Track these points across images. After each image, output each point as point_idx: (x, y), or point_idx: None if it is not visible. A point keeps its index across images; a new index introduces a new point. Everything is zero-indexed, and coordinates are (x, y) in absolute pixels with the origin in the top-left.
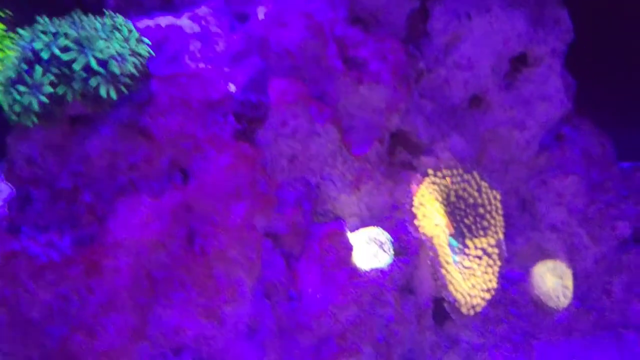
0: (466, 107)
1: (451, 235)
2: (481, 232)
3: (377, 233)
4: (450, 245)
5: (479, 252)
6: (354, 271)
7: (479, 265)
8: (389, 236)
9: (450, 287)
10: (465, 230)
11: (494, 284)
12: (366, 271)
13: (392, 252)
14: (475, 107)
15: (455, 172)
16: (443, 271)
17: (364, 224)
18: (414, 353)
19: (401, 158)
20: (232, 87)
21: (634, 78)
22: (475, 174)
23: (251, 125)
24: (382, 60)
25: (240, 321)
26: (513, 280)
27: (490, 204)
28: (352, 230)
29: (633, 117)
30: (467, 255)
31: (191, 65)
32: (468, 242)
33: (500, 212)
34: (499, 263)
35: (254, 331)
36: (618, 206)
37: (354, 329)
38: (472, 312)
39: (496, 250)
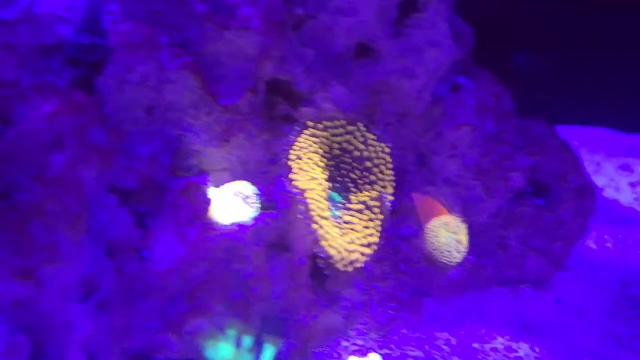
0: (352, 56)
1: (334, 189)
2: (368, 187)
3: (243, 186)
4: (332, 200)
5: (360, 206)
6: (207, 226)
7: (359, 219)
8: (255, 190)
9: (324, 242)
10: (351, 185)
11: (375, 239)
12: (223, 226)
13: (258, 206)
14: (364, 56)
15: (338, 123)
16: (315, 226)
17: (237, 179)
18: (287, 312)
19: (279, 109)
20: (67, 31)
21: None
22: (360, 125)
23: (89, 70)
24: (252, 5)
25: (67, 282)
26: (405, 237)
27: (378, 157)
28: (220, 185)
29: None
30: (349, 210)
31: (23, 6)
32: (352, 197)
33: (389, 165)
34: (380, 217)
35: (89, 293)
36: (512, 158)
37: (203, 287)
38: (350, 268)
39: (377, 203)
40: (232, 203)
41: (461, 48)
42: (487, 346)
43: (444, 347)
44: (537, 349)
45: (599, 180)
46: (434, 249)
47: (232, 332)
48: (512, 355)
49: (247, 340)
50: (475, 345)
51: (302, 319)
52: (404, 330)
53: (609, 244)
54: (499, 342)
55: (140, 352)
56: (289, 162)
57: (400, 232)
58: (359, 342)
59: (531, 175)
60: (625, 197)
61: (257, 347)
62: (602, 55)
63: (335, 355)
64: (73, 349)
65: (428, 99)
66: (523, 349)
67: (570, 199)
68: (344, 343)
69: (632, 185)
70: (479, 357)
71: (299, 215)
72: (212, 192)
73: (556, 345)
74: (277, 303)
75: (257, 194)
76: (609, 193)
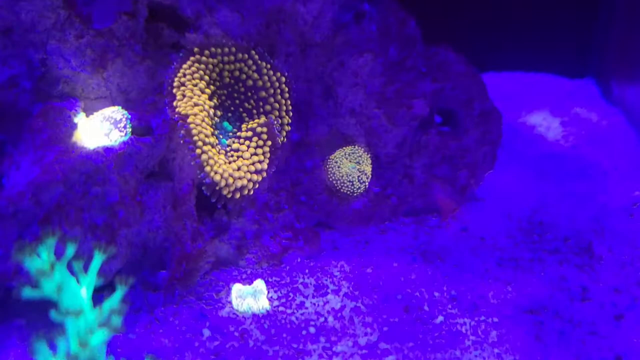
0: None
1: (227, 119)
2: (263, 117)
3: (113, 111)
4: (223, 129)
5: (249, 134)
6: (65, 149)
7: (248, 147)
8: (127, 114)
9: (207, 168)
10: (245, 114)
11: (264, 166)
12: (85, 149)
13: (129, 130)
14: None
15: (226, 50)
16: (198, 151)
17: (119, 107)
18: (169, 242)
19: (165, 36)
20: None
21: None
22: (253, 53)
23: None
24: None
25: None
26: (307, 169)
27: (273, 86)
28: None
29: None
30: (238, 138)
31: None
32: (243, 125)
33: (286, 95)
34: (269, 143)
35: None
36: (415, 84)
37: (59, 211)
38: (237, 195)
39: (265, 130)
40: (100, 127)
41: None
42: (380, 271)
43: (337, 273)
44: (429, 272)
45: (533, 119)
46: (336, 179)
47: (50, 241)
48: (402, 278)
49: (70, 249)
50: (368, 270)
51: (185, 249)
52: (298, 260)
53: (526, 175)
54: (394, 266)
55: None
56: (173, 89)
57: (304, 165)
58: (249, 271)
59: (434, 102)
60: (554, 134)
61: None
62: None
63: (221, 284)
64: None
65: (328, 25)
66: (415, 272)
67: (475, 125)
68: (234, 273)
69: (563, 124)
70: (370, 280)
71: (180, 142)
72: (79, 117)
73: (450, 269)
74: (156, 232)
75: (128, 119)
76: (539, 130)
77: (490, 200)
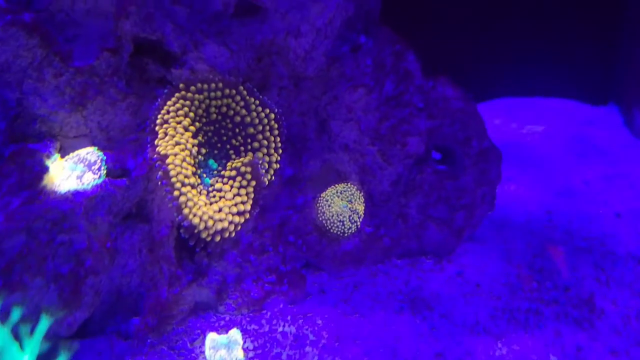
0: (232, 14)
1: (213, 156)
2: (250, 155)
3: (88, 153)
4: (208, 167)
5: (233, 173)
6: (34, 195)
7: (231, 187)
8: (102, 156)
9: (186, 211)
10: (232, 151)
11: (247, 207)
12: (54, 193)
13: (104, 172)
14: (248, 14)
15: (213, 86)
16: (176, 193)
17: (98, 145)
18: (143, 287)
19: (150, 71)
20: None
21: None
22: (241, 89)
23: None
24: None
25: None
26: (297, 206)
27: (261, 123)
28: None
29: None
30: (222, 177)
31: None
32: (228, 164)
33: (275, 132)
34: (253, 183)
35: None
36: (410, 121)
37: (21, 260)
38: (218, 238)
39: (249, 169)
40: (72, 170)
41: (355, 4)
42: (365, 320)
43: (319, 321)
44: (416, 323)
45: (544, 146)
46: (326, 219)
47: None
48: (386, 330)
49: (16, 313)
50: (353, 317)
51: (161, 295)
52: (281, 305)
53: (531, 214)
54: (379, 316)
55: None
56: (155, 127)
57: (295, 201)
58: (227, 317)
59: (431, 139)
60: (567, 166)
61: (33, 318)
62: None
63: (196, 332)
64: None
65: (321, 59)
66: (403, 323)
67: (473, 164)
68: (212, 319)
69: (578, 156)
70: (353, 330)
71: (158, 183)
72: (51, 159)
73: (439, 320)
74: (131, 277)
75: (103, 160)
76: (549, 158)
77: (490, 242)
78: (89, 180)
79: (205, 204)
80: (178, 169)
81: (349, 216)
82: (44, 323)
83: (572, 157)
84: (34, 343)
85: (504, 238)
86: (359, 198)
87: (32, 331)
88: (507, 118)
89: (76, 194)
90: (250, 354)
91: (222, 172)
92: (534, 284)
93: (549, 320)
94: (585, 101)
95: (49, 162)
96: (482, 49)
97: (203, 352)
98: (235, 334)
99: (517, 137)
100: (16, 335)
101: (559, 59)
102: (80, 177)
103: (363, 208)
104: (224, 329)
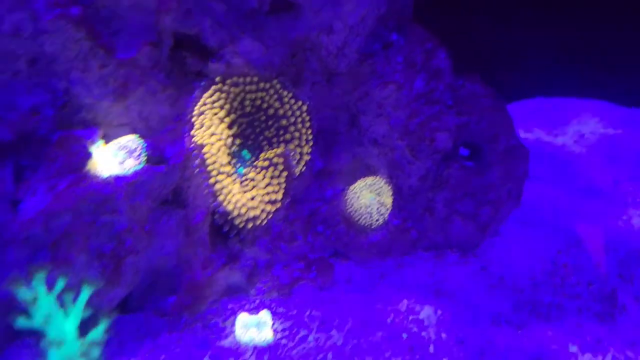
0: (268, 11)
1: (247, 147)
2: (283, 145)
3: (129, 140)
4: (242, 157)
5: (266, 163)
6: (79, 178)
7: (264, 177)
8: (142, 143)
9: (221, 198)
10: (265, 142)
11: (279, 196)
12: (97, 177)
13: (144, 159)
14: (283, 10)
15: (249, 79)
16: (212, 180)
17: (139, 134)
18: (179, 268)
19: (189, 65)
20: None
21: None
22: (275, 83)
23: None
24: None
25: None
26: (327, 198)
27: (294, 115)
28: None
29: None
30: (255, 167)
31: None
32: (261, 155)
33: (307, 124)
34: (285, 174)
35: None
36: (439, 118)
37: (67, 238)
38: (250, 225)
39: (281, 160)
40: (114, 156)
41: (388, 1)
42: (389, 307)
43: (345, 307)
44: (439, 312)
45: (573, 147)
46: (354, 210)
47: (40, 275)
48: (411, 317)
49: (61, 283)
50: (378, 305)
51: (195, 276)
52: (309, 291)
53: (556, 212)
54: (404, 304)
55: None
56: (192, 118)
57: (324, 193)
58: (258, 300)
59: (459, 135)
60: (594, 166)
61: (76, 289)
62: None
63: (228, 312)
64: None
65: (353, 56)
66: (426, 311)
67: (500, 161)
68: (242, 301)
69: (608, 158)
70: (377, 317)
71: (195, 171)
72: (95, 145)
73: (462, 309)
74: (167, 259)
75: (143, 148)
76: (577, 158)
77: (514, 237)
78: (130, 166)
79: (239, 192)
80: (214, 157)
81: (377, 208)
82: (86, 292)
83: (603, 158)
84: (77, 310)
85: (529, 234)
86: (387, 191)
87: (74, 300)
88: (538, 118)
89: (117, 178)
90: (279, 335)
91: (255, 162)
92: (557, 279)
93: (571, 314)
94: (619, 103)
95: (92, 149)
96: (515, 47)
97: (234, 331)
98: (265, 315)
99: (548, 137)
100: (61, 303)
101: (593, 60)
102: (121, 163)
103: (391, 201)
104: (255, 310)
